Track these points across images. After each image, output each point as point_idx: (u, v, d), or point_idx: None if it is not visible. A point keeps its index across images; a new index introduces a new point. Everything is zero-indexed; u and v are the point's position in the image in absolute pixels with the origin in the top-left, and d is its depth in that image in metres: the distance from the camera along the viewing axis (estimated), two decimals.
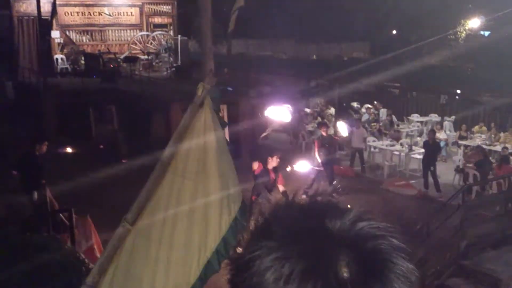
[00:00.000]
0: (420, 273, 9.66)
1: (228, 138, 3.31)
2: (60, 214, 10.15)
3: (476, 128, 19.23)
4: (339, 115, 21.19)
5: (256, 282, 0.84)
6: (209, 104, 2.88)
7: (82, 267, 6.39)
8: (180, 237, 2.83)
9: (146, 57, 28.96)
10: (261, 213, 0.94)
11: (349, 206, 0.92)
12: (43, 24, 24.47)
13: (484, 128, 19.14)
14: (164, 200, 2.84)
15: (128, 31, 30.00)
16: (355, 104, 23.13)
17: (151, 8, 30.45)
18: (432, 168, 15.10)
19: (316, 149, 14.30)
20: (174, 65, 27.94)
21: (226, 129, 3.07)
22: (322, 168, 14.09)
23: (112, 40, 29.67)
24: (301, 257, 0.82)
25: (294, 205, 0.94)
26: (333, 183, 14.24)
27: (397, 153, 17.04)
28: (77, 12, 28.30)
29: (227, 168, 2.96)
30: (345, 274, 0.80)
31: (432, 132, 16.29)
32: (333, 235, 0.85)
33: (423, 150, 15.78)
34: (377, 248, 0.84)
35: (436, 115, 21.82)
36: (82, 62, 26.78)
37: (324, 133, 14.53)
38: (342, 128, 17.44)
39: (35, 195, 10.71)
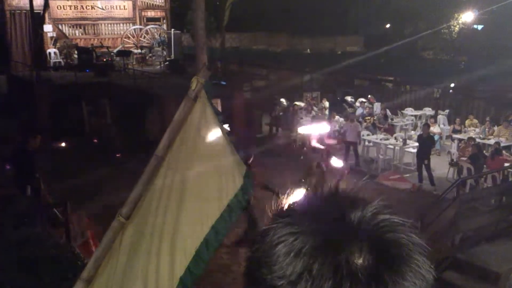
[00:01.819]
0: None
1: None
2: (55, 209, 10.13)
3: (467, 121, 19.27)
4: (333, 109, 21.22)
5: (267, 253, 0.85)
6: (204, 97, 2.85)
7: (77, 261, 6.39)
8: (169, 229, 2.81)
9: (139, 51, 28.83)
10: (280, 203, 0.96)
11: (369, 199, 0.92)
12: (36, 18, 24.33)
13: (475, 120, 19.19)
14: (158, 193, 2.82)
15: (121, 25, 29.83)
16: (349, 98, 23.14)
17: (144, 2, 30.29)
18: (426, 161, 15.14)
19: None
20: (168, 59, 27.83)
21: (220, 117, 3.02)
22: None
23: (105, 34, 29.50)
24: (315, 234, 0.82)
25: (317, 195, 0.94)
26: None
27: (391, 147, 17.08)
28: (70, 6, 28.11)
29: (226, 158, 2.92)
30: (357, 260, 0.79)
31: (426, 125, 16.33)
32: (352, 224, 0.85)
33: (417, 144, 15.82)
34: (395, 241, 0.84)
35: (430, 108, 21.86)
36: (75, 56, 26.64)
37: None
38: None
39: (29, 189, 10.66)
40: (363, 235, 0.82)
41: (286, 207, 0.93)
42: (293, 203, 0.94)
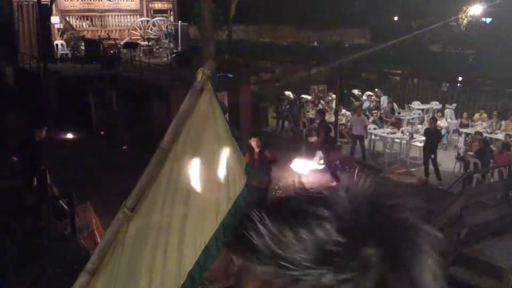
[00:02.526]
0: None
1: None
2: (60, 200, 10.16)
3: (476, 115, 19.19)
4: (340, 103, 21.16)
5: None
6: (210, 89, 2.84)
7: (82, 253, 6.41)
8: (177, 223, 2.81)
9: (146, 43, 28.85)
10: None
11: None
12: (43, 10, 24.36)
13: (485, 115, 19.09)
14: (164, 186, 2.82)
15: (128, 16, 29.84)
16: (356, 92, 23.08)
17: None
18: (433, 156, 15.09)
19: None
20: (175, 51, 27.84)
21: (226, 116, 3.02)
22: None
23: (112, 26, 29.52)
24: (363, 278, 0.67)
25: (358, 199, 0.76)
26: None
27: (398, 140, 17.02)
28: None
29: (230, 153, 2.91)
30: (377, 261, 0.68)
31: (433, 119, 16.26)
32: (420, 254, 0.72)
33: (424, 138, 15.76)
34: (412, 241, 0.72)
35: (437, 102, 21.77)
36: (82, 48, 26.69)
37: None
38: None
39: (35, 181, 10.70)
40: (386, 245, 0.70)
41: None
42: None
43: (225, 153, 2.88)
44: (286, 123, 20.97)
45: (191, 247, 2.80)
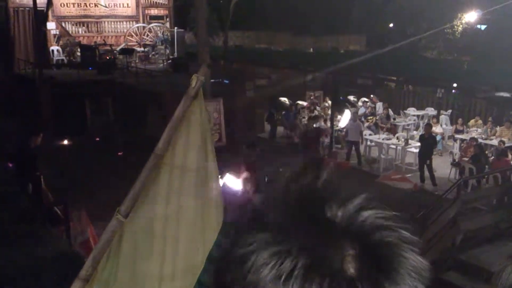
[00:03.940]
0: None
1: (224, 130, 3.29)
2: (55, 207, 10.14)
3: (472, 122, 19.27)
4: (335, 109, 21.18)
5: (252, 280, 0.73)
6: (202, 98, 2.88)
7: (77, 260, 6.39)
8: (171, 230, 2.82)
9: (142, 49, 28.86)
10: (252, 204, 0.84)
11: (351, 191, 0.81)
12: (39, 15, 24.34)
13: (480, 121, 19.16)
14: (162, 192, 2.83)
15: (124, 22, 29.86)
16: (351, 98, 23.12)
17: (148, 0, 30.33)
18: (428, 162, 15.13)
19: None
20: (171, 57, 27.85)
21: (222, 122, 3.06)
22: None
23: (108, 31, 29.53)
24: (302, 252, 0.71)
25: (290, 192, 0.81)
26: None
27: (393, 146, 17.07)
28: (73, 4, 28.13)
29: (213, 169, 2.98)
30: (351, 270, 0.71)
31: (428, 125, 16.32)
32: (336, 226, 0.75)
33: (419, 144, 15.80)
34: (385, 240, 0.75)
35: (432, 108, 21.84)
36: (78, 53, 26.67)
37: None
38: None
39: (30, 187, 10.67)
40: (352, 239, 0.73)
41: (256, 213, 0.80)
42: (264, 206, 0.81)
43: (210, 168, 2.95)
44: (278, 129, 20.93)
45: (200, 254, 2.83)
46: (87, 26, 29.09)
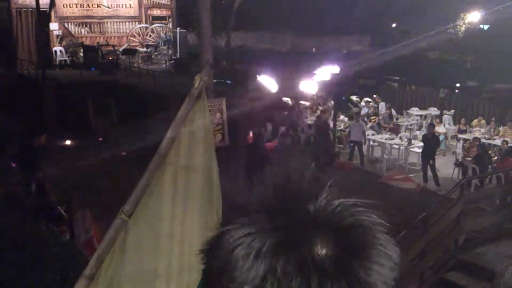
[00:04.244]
0: (420, 266, 9.66)
1: (226, 130, 3.32)
2: (59, 207, 10.16)
3: (475, 121, 19.24)
4: (338, 109, 21.18)
5: (225, 260, 0.79)
6: (205, 99, 2.89)
7: (80, 259, 6.41)
8: (176, 229, 2.84)
9: (145, 49, 28.89)
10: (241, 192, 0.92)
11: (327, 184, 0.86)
12: (42, 16, 24.39)
13: (483, 121, 19.14)
14: (166, 192, 2.84)
15: (127, 23, 29.90)
16: (354, 98, 23.11)
17: (150, 1, 30.36)
18: (431, 161, 15.11)
19: None
20: (173, 57, 27.89)
21: (225, 122, 3.09)
22: None
23: (111, 32, 29.58)
24: (273, 232, 0.77)
25: (273, 184, 0.87)
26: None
27: (396, 146, 17.05)
28: (76, 4, 28.19)
29: (214, 171, 3.01)
30: (321, 251, 0.75)
31: (431, 125, 16.30)
32: (309, 213, 0.80)
33: (422, 144, 15.78)
34: (356, 224, 0.80)
35: (435, 108, 21.81)
36: (81, 54, 26.73)
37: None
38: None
39: (33, 187, 10.70)
40: (322, 224, 0.78)
41: (242, 202, 0.87)
42: (245, 199, 0.87)
43: (211, 169, 2.97)
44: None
45: (192, 255, 2.83)
46: (90, 27, 29.15)
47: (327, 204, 0.81)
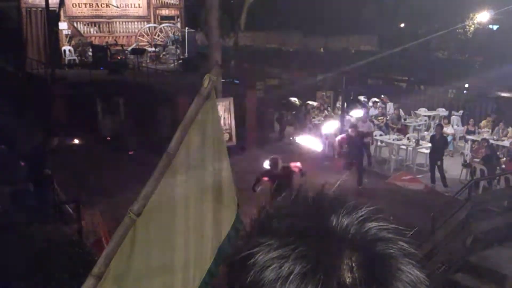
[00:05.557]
0: (427, 267, 9.64)
1: (234, 130, 3.34)
2: (67, 206, 10.20)
3: (483, 122, 19.14)
4: (346, 109, 21.15)
5: (253, 281, 0.79)
6: (214, 98, 2.91)
7: (89, 258, 6.43)
8: (184, 229, 2.86)
9: (153, 49, 28.94)
10: (262, 207, 0.90)
11: (358, 203, 0.86)
12: (51, 16, 24.51)
13: (491, 122, 19.04)
14: (175, 191, 2.86)
15: (136, 23, 29.97)
16: (362, 98, 23.06)
17: (159, 0, 30.43)
18: (439, 162, 15.06)
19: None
20: (181, 57, 27.91)
21: (233, 122, 3.11)
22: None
23: (120, 32, 29.65)
24: (301, 258, 0.76)
25: (299, 200, 0.88)
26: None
27: (404, 147, 16.99)
28: (85, 4, 28.28)
29: (226, 168, 3.03)
30: (348, 279, 0.75)
31: (440, 126, 16.24)
32: (338, 236, 0.79)
33: (430, 145, 15.73)
34: (385, 252, 0.79)
35: (443, 109, 21.74)
36: (90, 53, 26.81)
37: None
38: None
39: (42, 186, 10.75)
40: (352, 249, 0.78)
41: (265, 217, 0.86)
42: (274, 211, 0.87)
43: (222, 167, 2.98)
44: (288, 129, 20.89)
45: (209, 249, 2.87)
46: (99, 26, 29.23)
47: (359, 227, 0.81)
